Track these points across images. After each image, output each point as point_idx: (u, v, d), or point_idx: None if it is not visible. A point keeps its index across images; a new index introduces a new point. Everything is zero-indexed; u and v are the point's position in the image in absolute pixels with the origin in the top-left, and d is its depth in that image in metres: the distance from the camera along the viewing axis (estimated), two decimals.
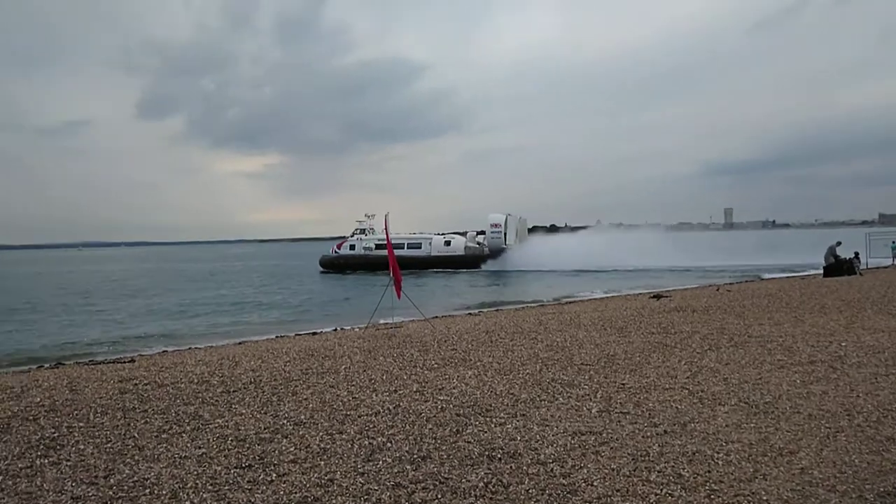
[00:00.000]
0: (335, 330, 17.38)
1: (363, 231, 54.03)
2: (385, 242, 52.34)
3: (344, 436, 5.69)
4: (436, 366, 9.01)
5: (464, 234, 54.53)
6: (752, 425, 5.72)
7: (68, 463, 5.15)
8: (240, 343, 15.34)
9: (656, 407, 6.42)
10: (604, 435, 5.51)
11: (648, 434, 5.52)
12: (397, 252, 51.47)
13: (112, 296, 35.85)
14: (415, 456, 5.08)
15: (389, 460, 4.99)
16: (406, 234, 53.60)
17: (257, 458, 5.15)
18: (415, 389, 7.49)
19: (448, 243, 51.22)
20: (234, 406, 6.97)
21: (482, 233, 52.14)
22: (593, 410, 6.35)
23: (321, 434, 5.76)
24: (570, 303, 21.22)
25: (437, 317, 18.48)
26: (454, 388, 7.51)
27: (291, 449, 5.35)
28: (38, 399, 7.63)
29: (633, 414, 6.19)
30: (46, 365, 13.06)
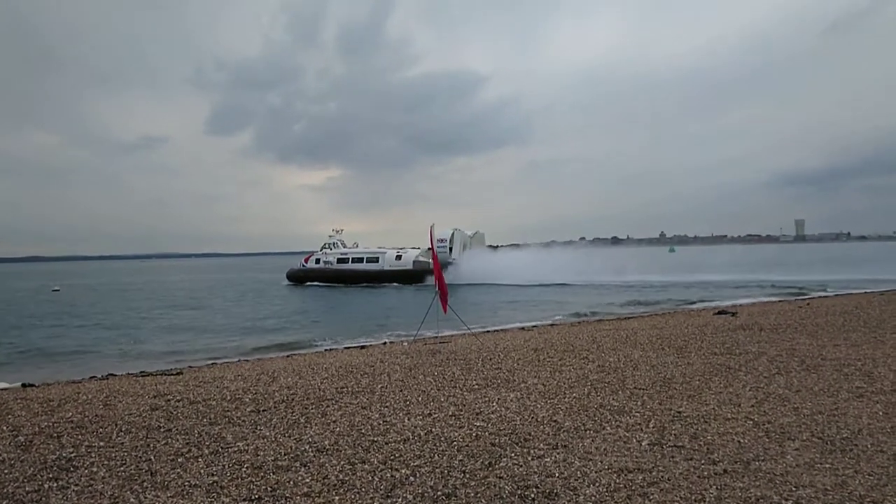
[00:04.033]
0: (384, 343, 17.05)
1: (331, 245, 54.97)
2: (348, 256, 53.09)
3: (366, 466, 5.27)
4: (476, 387, 8.51)
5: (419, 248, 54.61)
6: (828, 466, 5.01)
7: (76, 488, 4.90)
8: (287, 356, 15.16)
9: (716, 440, 5.75)
10: (653, 473, 4.91)
11: (705, 473, 4.89)
12: (358, 266, 51.68)
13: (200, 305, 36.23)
14: (438, 493, 4.61)
15: (410, 497, 4.54)
16: (367, 249, 54.35)
17: (270, 489, 4.78)
18: (450, 413, 7.02)
19: (399, 257, 51.52)
20: (259, 427, 6.66)
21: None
22: (644, 443, 5.73)
23: (342, 463, 5.36)
24: (629, 318, 20.30)
25: (487, 331, 17.94)
26: (493, 412, 7.00)
27: (308, 480, 4.96)
28: (70, 414, 7.54)
29: (688, 448, 5.55)
30: (99, 376, 13.15)
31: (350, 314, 28.40)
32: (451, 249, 50.16)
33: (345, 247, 54.87)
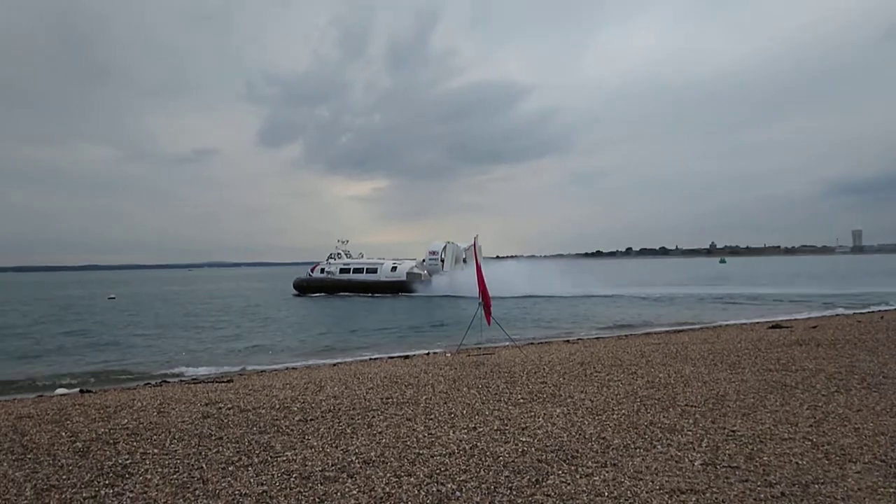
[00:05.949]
0: (427, 354, 17.07)
1: (337, 255, 56.20)
2: (350, 267, 54.17)
3: (412, 479, 5.26)
4: (522, 401, 8.43)
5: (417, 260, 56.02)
6: (892, 490, 4.79)
7: (131, 495, 5.03)
8: (334, 365, 15.31)
9: (772, 461, 5.55)
10: (707, 495, 4.76)
11: (762, 496, 4.72)
12: (357, 276, 52.28)
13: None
14: None
15: None
16: (368, 260, 55.26)
17: (318, 500, 4.81)
18: (496, 427, 6.96)
19: (394, 269, 52.48)
20: (307, 437, 6.73)
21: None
22: (696, 463, 5.57)
23: (388, 475, 5.36)
24: (678, 332, 19.86)
25: (531, 343, 17.78)
26: (539, 427, 6.91)
27: (354, 492, 4.98)
28: (126, 421, 7.75)
29: (743, 469, 5.37)
30: (153, 382, 13.50)
31: (371, 323, 28.44)
32: (442, 262, 51.26)
33: (349, 257, 56.40)
